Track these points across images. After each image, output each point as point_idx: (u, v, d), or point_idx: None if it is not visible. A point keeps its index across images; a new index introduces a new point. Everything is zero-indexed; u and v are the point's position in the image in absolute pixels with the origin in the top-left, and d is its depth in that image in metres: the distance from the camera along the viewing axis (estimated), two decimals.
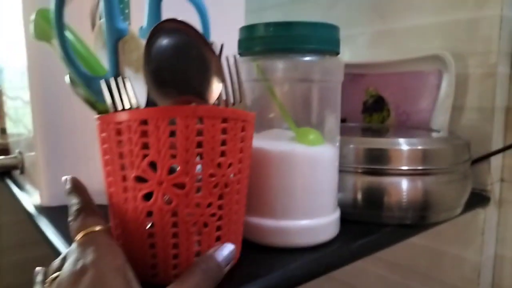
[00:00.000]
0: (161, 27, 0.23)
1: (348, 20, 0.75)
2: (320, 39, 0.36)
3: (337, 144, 0.41)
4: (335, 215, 0.40)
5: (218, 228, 0.29)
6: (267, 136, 0.39)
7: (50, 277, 0.24)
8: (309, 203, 0.37)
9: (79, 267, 0.22)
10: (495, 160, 0.59)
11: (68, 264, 0.22)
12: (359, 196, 0.46)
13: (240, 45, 0.38)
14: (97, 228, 0.25)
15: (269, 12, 0.91)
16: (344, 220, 0.44)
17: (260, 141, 0.38)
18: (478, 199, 0.58)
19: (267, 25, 0.36)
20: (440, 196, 0.46)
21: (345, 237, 0.41)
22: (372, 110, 0.69)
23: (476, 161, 0.57)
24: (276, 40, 0.36)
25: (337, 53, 0.39)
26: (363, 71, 0.70)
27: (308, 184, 0.37)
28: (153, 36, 0.23)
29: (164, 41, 0.24)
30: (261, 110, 0.39)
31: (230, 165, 0.29)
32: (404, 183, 0.45)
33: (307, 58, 0.37)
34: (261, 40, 0.37)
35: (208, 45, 0.25)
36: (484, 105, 0.57)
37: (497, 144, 0.58)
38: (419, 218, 0.46)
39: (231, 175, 0.29)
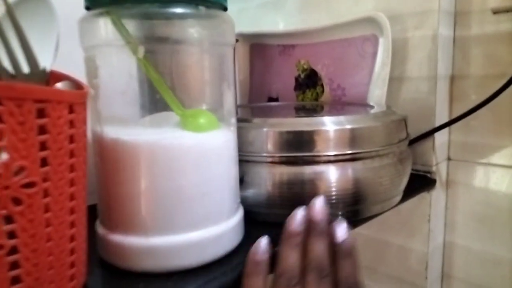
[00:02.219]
0: None
1: None
2: None
3: (232, 128, 0.31)
4: (236, 219, 0.31)
5: (14, 266, 0.19)
6: (141, 123, 0.29)
7: None
8: (195, 210, 0.28)
9: None
10: (440, 137, 0.51)
11: None
12: (275, 192, 0.37)
13: None
14: None
15: None
16: (255, 222, 0.35)
17: (121, 130, 0.27)
18: (423, 182, 0.51)
19: None
20: (372, 185, 0.38)
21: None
22: (305, 86, 0.60)
23: (418, 139, 0.50)
24: None
25: (224, 8, 0.29)
26: (293, 42, 0.60)
27: (193, 184, 0.27)
28: None
29: None
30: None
31: (20, 170, 0.18)
32: (330, 173, 0.36)
33: (179, 10, 0.26)
34: None
35: None
36: (425, 74, 0.49)
37: (442, 118, 0.51)
38: (351, 213, 0.38)
39: (25, 185, 0.19)
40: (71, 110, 0.21)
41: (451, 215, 0.55)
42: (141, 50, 0.25)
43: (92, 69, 0.27)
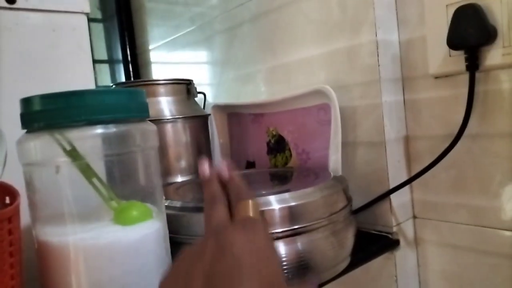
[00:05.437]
0: None
1: (247, 57, 0.70)
2: (107, 107, 0.31)
3: (161, 216, 0.35)
4: None
5: None
6: (75, 220, 0.33)
7: None
8: None
9: None
10: (399, 197, 0.53)
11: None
12: None
13: (25, 119, 0.32)
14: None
15: (178, 53, 0.87)
16: None
17: (53, 231, 0.31)
18: (384, 243, 0.52)
19: (44, 97, 0.31)
20: (313, 258, 0.40)
21: None
22: (275, 151, 0.64)
23: (371, 203, 0.51)
24: (57, 113, 0.31)
25: (146, 117, 0.34)
26: (261, 111, 0.65)
27: (109, 279, 0.31)
28: None
29: None
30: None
31: None
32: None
33: (99, 131, 0.31)
34: (43, 114, 0.31)
35: None
36: (375, 139, 0.52)
37: (399, 178, 0.52)
38: (298, 284, 0.40)
39: None
40: None
41: (424, 274, 0.55)
42: (59, 169, 0.30)
43: (27, 183, 0.32)
